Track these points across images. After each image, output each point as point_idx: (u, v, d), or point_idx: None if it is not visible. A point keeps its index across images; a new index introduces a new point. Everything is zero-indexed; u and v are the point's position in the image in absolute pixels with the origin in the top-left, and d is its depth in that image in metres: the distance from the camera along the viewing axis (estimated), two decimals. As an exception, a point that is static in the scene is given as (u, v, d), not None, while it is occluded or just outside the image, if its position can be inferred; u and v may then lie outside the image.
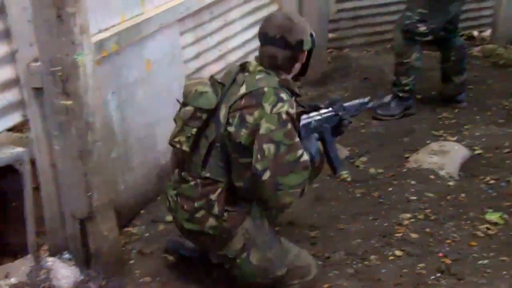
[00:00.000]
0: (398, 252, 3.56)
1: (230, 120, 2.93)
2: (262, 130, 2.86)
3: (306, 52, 3.12)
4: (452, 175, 4.31)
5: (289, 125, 2.90)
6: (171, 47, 4.09)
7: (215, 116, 2.98)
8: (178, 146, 3.06)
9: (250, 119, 2.90)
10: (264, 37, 3.05)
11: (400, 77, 5.18)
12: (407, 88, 5.19)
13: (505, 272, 3.35)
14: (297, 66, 3.14)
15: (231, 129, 2.93)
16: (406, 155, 4.61)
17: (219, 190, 2.99)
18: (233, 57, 4.79)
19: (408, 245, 3.62)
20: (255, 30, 3.50)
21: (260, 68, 3.04)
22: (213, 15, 4.49)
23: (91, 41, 3.09)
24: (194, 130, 3.00)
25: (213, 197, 2.98)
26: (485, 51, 6.38)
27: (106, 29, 3.53)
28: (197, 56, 4.41)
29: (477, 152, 4.62)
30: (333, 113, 3.38)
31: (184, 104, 3.08)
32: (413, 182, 4.24)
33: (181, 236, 3.32)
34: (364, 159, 4.61)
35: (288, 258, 3.15)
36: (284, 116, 2.88)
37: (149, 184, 4.05)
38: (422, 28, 4.98)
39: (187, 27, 4.25)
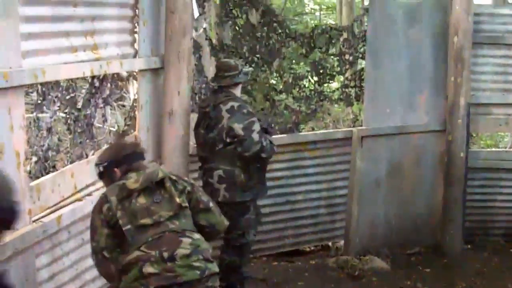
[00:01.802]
0: None
1: (181, 187, 3.92)
2: (189, 188, 3.95)
3: None
4: None
5: None
6: (25, 271, 3.92)
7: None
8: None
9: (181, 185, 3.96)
10: (135, 156, 3.94)
11: None
12: None
13: None
14: None
15: (189, 188, 3.95)
16: None
17: None
18: (89, 276, 4.66)
19: None
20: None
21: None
22: (70, 234, 4.41)
23: None
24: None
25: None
26: (339, 262, 6.54)
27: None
28: (52, 277, 4.25)
29: None
30: None
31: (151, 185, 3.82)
32: None
33: None
34: None
35: None
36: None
37: None
38: None
39: (43, 249, 4.12)
